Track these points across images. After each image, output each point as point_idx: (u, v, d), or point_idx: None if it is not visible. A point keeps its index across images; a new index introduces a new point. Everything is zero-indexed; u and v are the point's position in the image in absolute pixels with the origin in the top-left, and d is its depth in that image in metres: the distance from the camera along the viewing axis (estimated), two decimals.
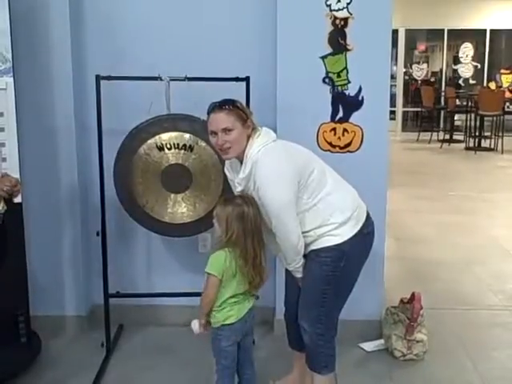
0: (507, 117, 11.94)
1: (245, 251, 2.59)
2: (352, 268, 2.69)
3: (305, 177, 2.58)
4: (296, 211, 2.56)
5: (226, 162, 2.80)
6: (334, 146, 3.43)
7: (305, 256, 2.66)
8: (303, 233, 2.60)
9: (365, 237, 2.70)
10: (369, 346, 3.53)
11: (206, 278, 2.64)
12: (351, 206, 2.67)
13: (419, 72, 14.43)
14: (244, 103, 2.81)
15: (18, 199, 2.95)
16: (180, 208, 3.25)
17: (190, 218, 3.26)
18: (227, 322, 2.66)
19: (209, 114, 2.64)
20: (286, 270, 2.80)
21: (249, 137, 2.61)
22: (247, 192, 2.64)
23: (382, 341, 3.54)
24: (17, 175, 2.94)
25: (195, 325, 2.68)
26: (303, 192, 2.58)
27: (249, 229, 2.58)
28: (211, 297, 2.63)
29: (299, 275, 2.70)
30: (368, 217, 2.74)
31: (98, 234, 3.33)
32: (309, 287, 2.68)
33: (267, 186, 2.52)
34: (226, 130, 2.58)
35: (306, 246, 2.64)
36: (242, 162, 2.62)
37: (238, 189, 2.68)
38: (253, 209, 2.58)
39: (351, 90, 3.38)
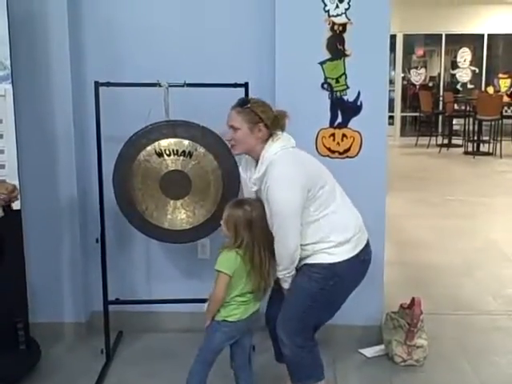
0: (505, 121, 11.96)
1: (252, 257, 2.63)
2: (340, 290, 2.69)
3: (315, 189, 2.59)
4: (300, 220, 2.56)
5: (242, 161, 2.84)
6: (332, 152, 3.43)
7: (297, 269, 2.66)
8: (301, 245, 2.60)
9: (360, 263, 2.71)
10: (369, 351, 3.53)
11: (216, 276, 2.64)
12: (353, 229, 2.68)
13: (417, 77, 14.44)
14: None
15: (16, 206, 2.96)
16: (179, 214, 3.25)
17: (189, 225, 3.25)
18: (229, 318, 2.68)
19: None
20: (275, 282, 2.79)
21: (265, 140, 2.64)
22: (260, 193, 2.65)
23: (382, 346, 3.53)
24: (16, 182, 2.94)
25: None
26: (310, 203, 2.59)
27: (257, 235, 2.62)
28: (221, 295, 2.64)
29: (287, 286, 2.69)
30: (368, 244, 2.75)
31: (97, 241, 3.32)
32: (294, 300, 2.68)
33: (278, 187, 2.54)
34: (233, 128, 2.66)
35: (301, 259, 2.64)
36: (257, 162, 2.66)
37: (253, 188, 2.71)
38: (260, 213, 2.61)
39: (350, 96, 3.38)
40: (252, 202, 2.67)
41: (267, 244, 2.64)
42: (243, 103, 2.69)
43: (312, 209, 2.59)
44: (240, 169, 2.86)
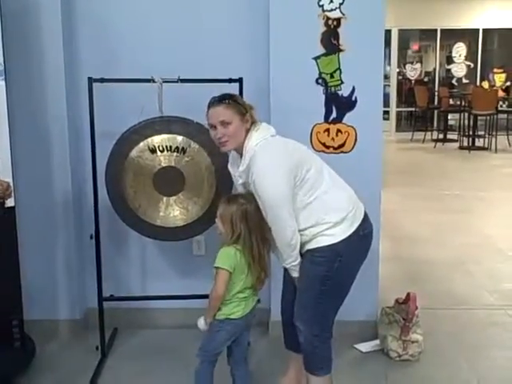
0: (500, 116, 11.98)
1: (251, 249, 2.64)
2: (347, 269, 2.68)
3: (301, 173, 2.59)
4: (292, 206, 2.57)
5: (230, 158, 2.84)
6: (327, 147, 3.43)
7: (302, 256, 2.66)
8: (299, 231, 2.60)
9: (361, 238, 2.69)
10: (364, 346, 3.53)
11: (215, 273, 2.64)
12: (346, 206, 2.67)
13: (413, 72, 14.46)
14: None
15: (10, 203, 2.95)
16: (172, 211, 3.23)
17: (182, 222, 3.24)
18: (232, 316, 2.67)
19: (208, 107, 2.70)
20: (284, 270, 2.81)
21: (248, 130, 2.65)
22: (248, 185, 2.66)
23: (377, 341, 3.53)
24: (9, 179, 2.93)
25: (201, 322, 2.70)
26: (299, 189, 2.58)
27: (253, 227, 2.62)
28: (221, 292, 2.63)
29: (295, 274, 2.69)
30: (365, 218, 2.74)
31: (91, 238, 3.31)
32: (304, 287, 2.68)
33: (263, 178, 2.54)
34: (225, 123, 2.64)
35: (302, 245, 2.64)
36: (242, 156, 2.66)
37: (239, 182, 2.72)
38: (254, 205, 2.61)
39: (344, 91, 3.38)
40: (245, 196, 2.67)
41: (263, 235, 2.65)
42: (226, 97, 2.68)
43: (301, 193, 2.59)
44: (228, 165, 2.85)
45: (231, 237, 2.64)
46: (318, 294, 2.65)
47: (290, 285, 2.81)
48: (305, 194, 2.60)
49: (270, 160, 2.59)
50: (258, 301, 2.81)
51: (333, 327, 2.75)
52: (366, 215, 2.74)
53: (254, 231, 2.63)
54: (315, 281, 2.65)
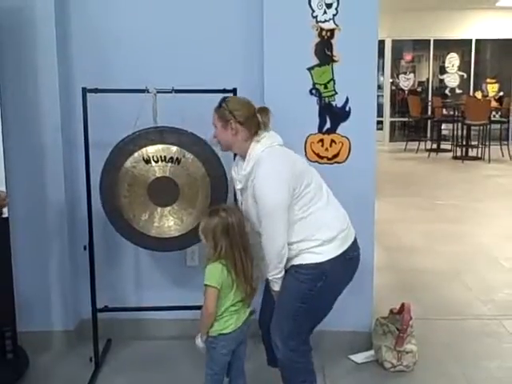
0: (494, 126, 12.02)
1: (234, 263, 2.62)
2: (330, 289, 2.68)
3: (301, 187, 2.60)
4: (287, 216, 2.56)
5: (234, 163, 2.86)
6: (321, 157, 3.43)
7: (285, 271, 2.66)
8: (287, 244, 2.60)
9: (347, 261, 2.69)
10: (359, 357, 3.52)
11: (204, 291, 2.63)
12: (339, 227, 2.68)
13: (406, 82, 14.50)
14: None
15: (4, 214, 2.94)
16: (167, 222, 3.23)
17: (177, 232, 3.23)
18: (225, 331, 2.67)
19: None
20: (265, 287, 2.80)
21: (251, 136, 2.69)
22: (245, 191, 2.66)
23: (372, 352, 3.53)
24: (3, 189, 2.92)
25: (198, 341, 2.71)
26: (296, 202, 2.59)
27: (236, 241, 2.62)
28: (211, 310, 2.63)
29: (277, 288, 2.68)
30: (355, 242, 2.74)
31: (85, 248, 3.30)
32: (283, 303, 2.68)
33: (265, 183, 2.55)
34: (214, 126, 2.75)
35: (287, 260, 2.63)
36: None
37: (238, 186, 2.74)
38: (236, 218, 2.61)
39: (338, 101, 3.39)
40: (227, 208, 2.68)
41: (247, 248, 2.65)
42: (220, 102, 2.75)
43: (297, 207, 2.60)
44: (232, 170, 2.86)
45: (215, 251, 2.63)
46: (297, 310, 2.65)
47: (269, 303, 2.78)
48: (300, 208, 2.60)
49: (274, 167, 2.60)
50: (252, 312, 2.80)
51: (309, 340, 2.74)
52: (355, 239, 2.75)
53: (237, 244, 2.62)
54: (296, 298, 2.64)
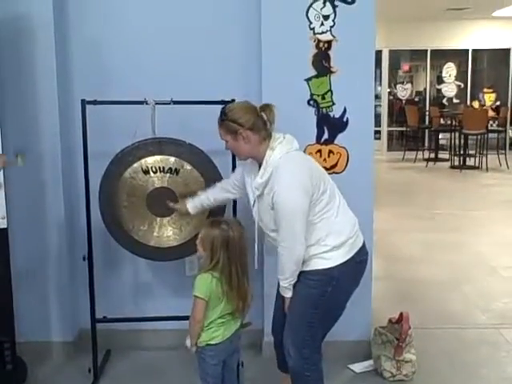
0: (491, 135, 12.05)
1: (229, 278, 2.61)
2: (340, 294, 2.68)
3: (318, 193, 2.59)
4: (306, 223, 2.56)
5: (246, 168, 2.82)
6: None
7: None
8: None
9: (356, 265, 2.70)
10: (358, 367, 3.52)
11: (193, 301, 2.63)
12: (348, 233, 2.68)
13: (403, 92, 14.54)
14: None
15: (3, 224, 2.94)
16: (166, 231, 3.24)
17: (176, 242, 3.24)
18: (212, 342, 2.66)
19: None
20: (277, 293, 2.80)
21: (265, 139, 2.64)
22: (262, 197, 2.63)
23: (371, 361, 3.53)
24: (1, 200, 2.92)
25: (188, 341, 2.70)
26: (311, 208, 2.57)
27: (234, 256, 2.60)
28: (198, 319, 2.63)
29: (289, 294, 2.67)
30: (363, 246, 2.75)
31: (84, 259, 3.30)
32: (296, 310, 2.67)
33: (287, 191, 2.53)
34: (223, 140, 2.70)
35: None
36: (260, 166, 2.64)
37: (255, 193, 2.68)
38: (238, 232, 2.60)
39: (336, 112, 3.41)
40: (229, 222, 2.67)
41: (244, 264, 2.64)
42: (221, 116, 2.69)
43: (311, 213, 2.58)
44: (245, 176, 2.83)
45: (210, 262, 2.62)
46: (309, 317, 2.65)
47: (280, 308, 2.78)
48: (314, 214, 2.59)
49: (294, 174, 2.57)
50: (246, 324, 2.80)
51: (321, 348, 2.74)
52: (363, 245, 2.76)
53: (234, 259, 2.60)
54: (308, 304, 2.64)
